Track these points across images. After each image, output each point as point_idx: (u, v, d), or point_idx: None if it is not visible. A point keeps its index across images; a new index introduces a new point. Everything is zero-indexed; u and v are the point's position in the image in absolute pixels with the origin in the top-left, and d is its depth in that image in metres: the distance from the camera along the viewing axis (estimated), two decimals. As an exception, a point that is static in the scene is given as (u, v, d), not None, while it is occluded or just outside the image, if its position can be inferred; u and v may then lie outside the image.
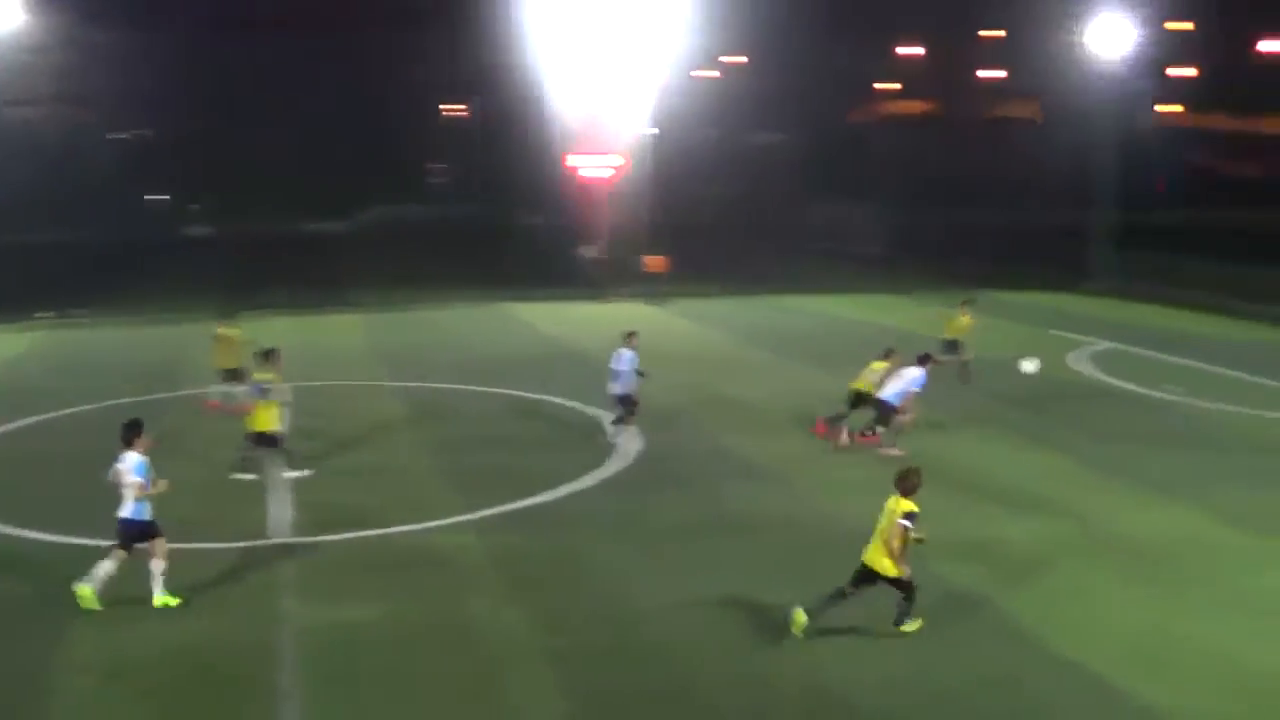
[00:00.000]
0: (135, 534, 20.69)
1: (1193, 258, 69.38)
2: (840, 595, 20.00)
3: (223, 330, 36.41)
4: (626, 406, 32.86)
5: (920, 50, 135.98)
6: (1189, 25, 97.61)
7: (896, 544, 19.88)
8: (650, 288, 60.10)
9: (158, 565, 20.82)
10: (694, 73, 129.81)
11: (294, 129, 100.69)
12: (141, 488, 20.45)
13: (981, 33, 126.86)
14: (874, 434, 32.12)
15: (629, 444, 31.97)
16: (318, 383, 38.97)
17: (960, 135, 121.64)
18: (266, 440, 28.51)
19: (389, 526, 25.00)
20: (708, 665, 18.83)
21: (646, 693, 18.04)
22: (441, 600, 21.31)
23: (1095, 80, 71.89)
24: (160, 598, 20.79)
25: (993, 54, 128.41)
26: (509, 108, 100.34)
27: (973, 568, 23.13)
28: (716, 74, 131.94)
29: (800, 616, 19.79)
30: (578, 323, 53.81)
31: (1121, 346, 49.78)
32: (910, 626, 20.12)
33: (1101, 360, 46.45)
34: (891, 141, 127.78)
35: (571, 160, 62.16)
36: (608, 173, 62.28)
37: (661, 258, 59.75)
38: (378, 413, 35.78)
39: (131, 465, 20.55)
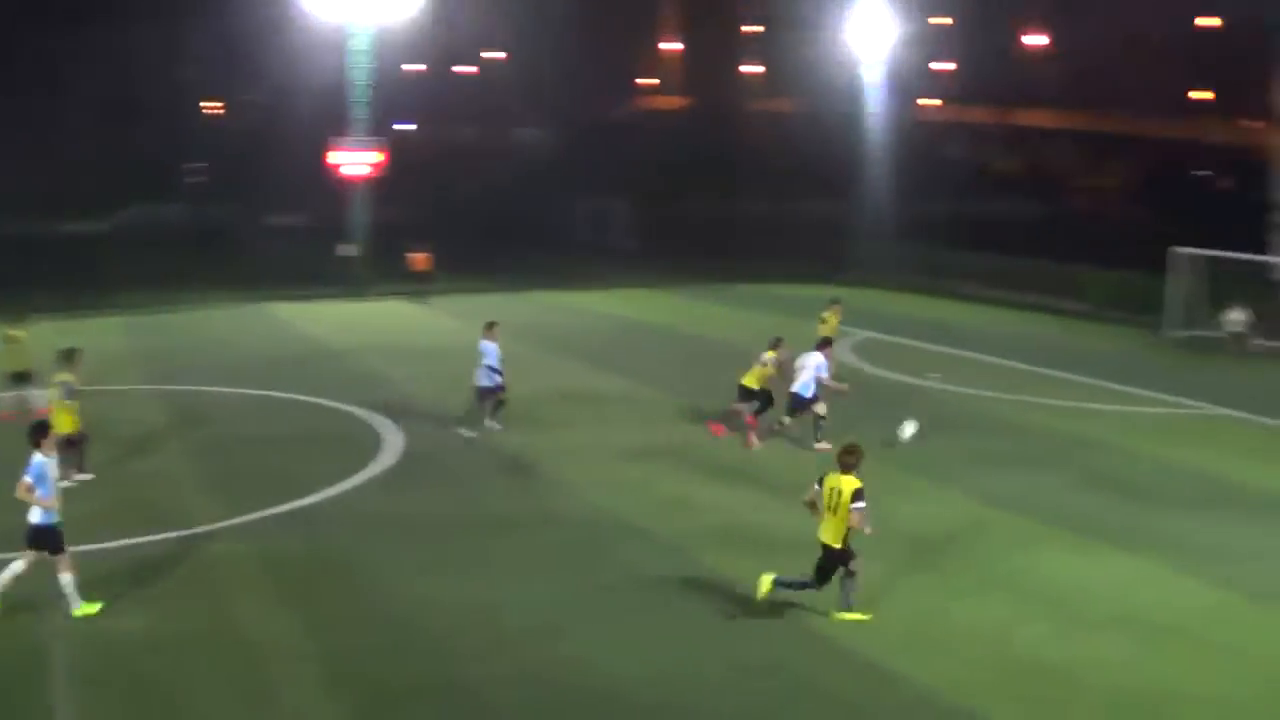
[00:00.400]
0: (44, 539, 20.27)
1: (953, 249, 70.88)
2: (810, 584, 20.45)
3: (12, 332, 35.40)
4: (490, 398, 33.30)
5: (680, 46, 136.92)
6: (948, 20, 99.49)
7: (861, 527, 20.27)
8: (415, 286, 59.70)
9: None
10: (455, 68, 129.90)
11: (50, 128, 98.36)
12: (29, 489, 19.92)
13: (743, 29, 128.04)
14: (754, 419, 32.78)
15: (394, 441, 31.78)
16: (82, 387, 38.09)
17: (722, 129, 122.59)
18: (70, 443, 27.37)
19: (155, 532, 24.39)
20: (480, 662, 18.76)
21: (422, 690, 17.92)
22: (212, 605, 20.91)
23: (856, 75, 72.99)
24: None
25: (754, 49, 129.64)
26: (268, 105, 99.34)
27: (739, 557, 23.26)
28: (474, 69, 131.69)
29: (766, 584, 20.51)
30: (337, 322, 53.32)
31: (883, 336, 50.65)
32: (858, 615, 20.45)
33: (864, 350, 47.19)
34: (652, 136, 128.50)
35: (332, 157, 61.47)
36: (366, 169, 61.70)
37: (426, 255, 59.38)
38: (141, 417, 34.96)
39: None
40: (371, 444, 31.50)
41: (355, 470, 28.95)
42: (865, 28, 70.42)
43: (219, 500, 26.69)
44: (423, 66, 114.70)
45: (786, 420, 32.59)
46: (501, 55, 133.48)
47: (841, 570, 20.41)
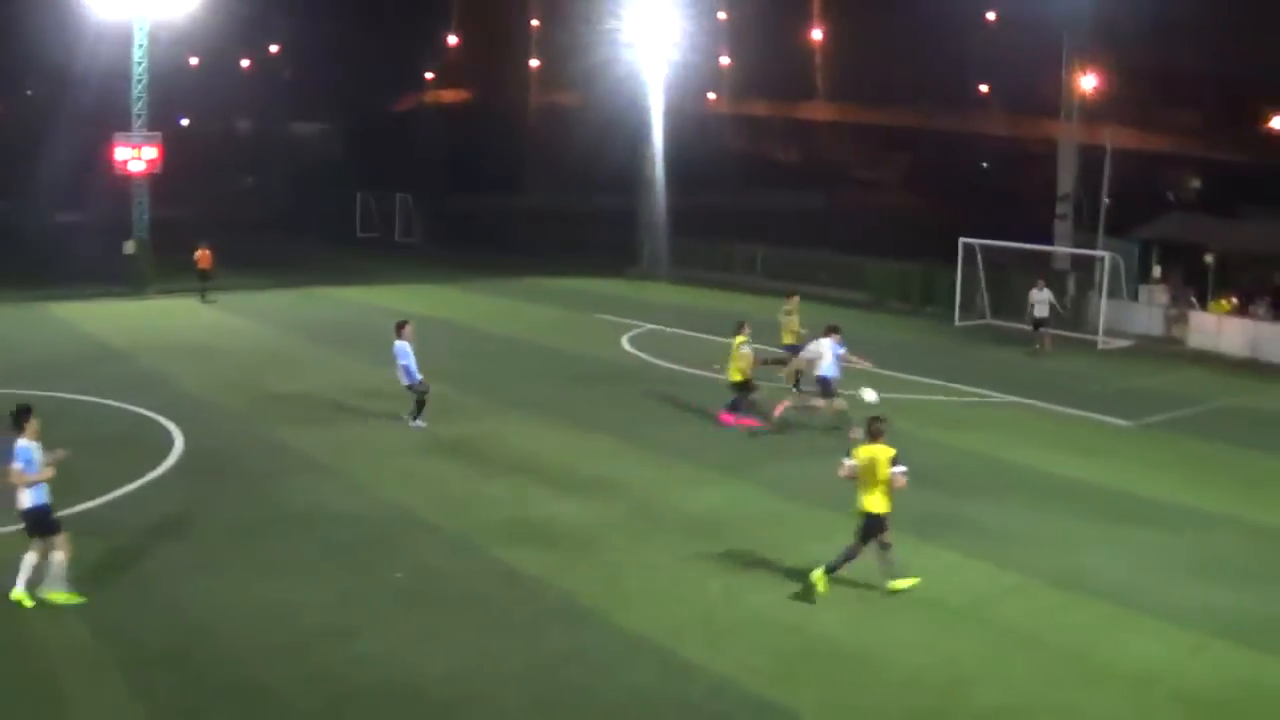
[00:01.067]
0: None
1: (736, 240, 71.42)
2: (854, 553, 21.25)
3: None
4: (416, 394, 32.96)
5: (462, 39, 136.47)
6: (723, 15, 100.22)
7: (900, 486, 21.17)
8: (197, 283, 58.60)
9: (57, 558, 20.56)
10: (231, 61, 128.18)
11: None
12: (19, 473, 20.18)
13: (527, 22, 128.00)
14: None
15: (180, 441, 31.12)
16: None
17: (505, 123, 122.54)
18: None
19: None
20: (277, 663, 18.42)
21: (220, 694, 17.55)
22: (1, 611, 20.22)
23: (637, 70, 73.11)
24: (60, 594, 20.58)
25: (537, 43, 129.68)
26: (47, 99, 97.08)
27: (529, 550, 23.22)
28: (247, 63, 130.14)
29: (820, 579, 21.05)
30: (119, 321, 52.17)
31: (667, 329, 50.86)
32: (908, 581, 21.41)
33: (648, 342, 47.33)
34: (435, 130, 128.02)
35: (116, 154, 60.15)
36: (144, 165, 60.50)
37: (208, 251, 58.34)
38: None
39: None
40: (158, 444, 30.77)
41: (143, 471, 28.28)
42: (646, 22, 70.50)
43: (1, 504, 25.91)
44: (195, 60, 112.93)
45: (820, 403, 33.51)
46: (274, 48, 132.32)
47: (876, 544, 21.21)
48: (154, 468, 28.67)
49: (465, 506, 26.17)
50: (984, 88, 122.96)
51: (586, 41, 77.48)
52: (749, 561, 22.87)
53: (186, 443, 31.03)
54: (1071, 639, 19.63)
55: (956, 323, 52.87)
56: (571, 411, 35.29)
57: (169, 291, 59.72)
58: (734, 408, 33.79)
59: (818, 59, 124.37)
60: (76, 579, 21.38)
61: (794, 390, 35.49)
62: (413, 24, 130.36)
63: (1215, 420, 35.94)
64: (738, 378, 33.53)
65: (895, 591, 21.13)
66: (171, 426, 32.54)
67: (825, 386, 33.21)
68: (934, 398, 38.39)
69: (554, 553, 23.06)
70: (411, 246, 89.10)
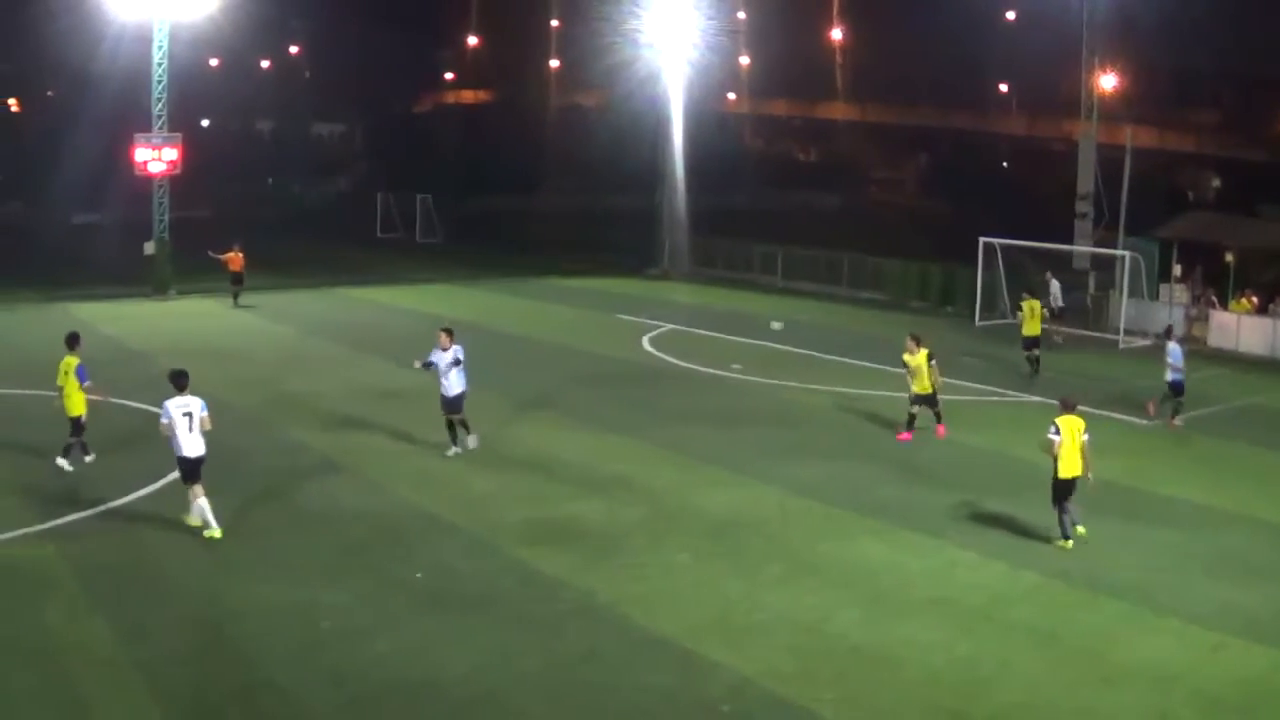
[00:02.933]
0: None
1: (755, 241, 71.33)
2: (1065, 512, 24.07)
3: None
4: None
5: (483, 39, 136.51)
6: (743, 15, 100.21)
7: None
8: (229, 286, 58.48)
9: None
10: (252, 61, 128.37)
11: None
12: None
13: (548, 22, 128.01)
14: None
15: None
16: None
17: (526, 123, 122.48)
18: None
19: (-42, 539, 23.75)
20: (295, 663, 18.49)
21: (237, 695, 17.62)
22: (21, 612, 20.36)
23: (657, 70, 73.06)
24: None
25: (557, 43, 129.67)
26: (67, 100, 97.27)
27: (549, 550, 23.29)
28: (267, 64, 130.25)
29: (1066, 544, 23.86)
30: (137, 321, 52.24)
31: (687, 329, 50.85)
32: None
33: (668, 342, 47.33)
34: (456, 130, 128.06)
35: (136, 155, 60.18)
36: (162, 166, 60.54)
37: (239, 254, 58.33)
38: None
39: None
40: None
41: (163, 472, 28.22)
42: (666, 22, 70.43)
43: (25, 504, 25.98)
44: (215, 61, 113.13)
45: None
46: (295, 49, 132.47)
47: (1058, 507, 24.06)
48: (174, 468, 28.71)
49: (484, 506, 26.21)
50: (1004, 87, 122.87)
51: (607, 42, 77.46)
52: (768, 561, 22.90)
53: (206, 443, 31.05)
54: (1089, 638, 19.63)
55: (977, 322, 52.78)
56: (591, 412, 35.31)
57: (189, 292, 59.79)
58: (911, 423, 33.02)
59: (837, 59, 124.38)
60: (98, 578, 21.58)
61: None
62: (433, 25, 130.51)
63: (1234, 419, 35.84)
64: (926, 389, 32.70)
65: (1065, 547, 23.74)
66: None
67: (1177, 389, 34.86)
68: (954, 397, 38.29)
69: (573, 553, 23.10)
70: (432, 247, 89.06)
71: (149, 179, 61.21)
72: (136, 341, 46.78)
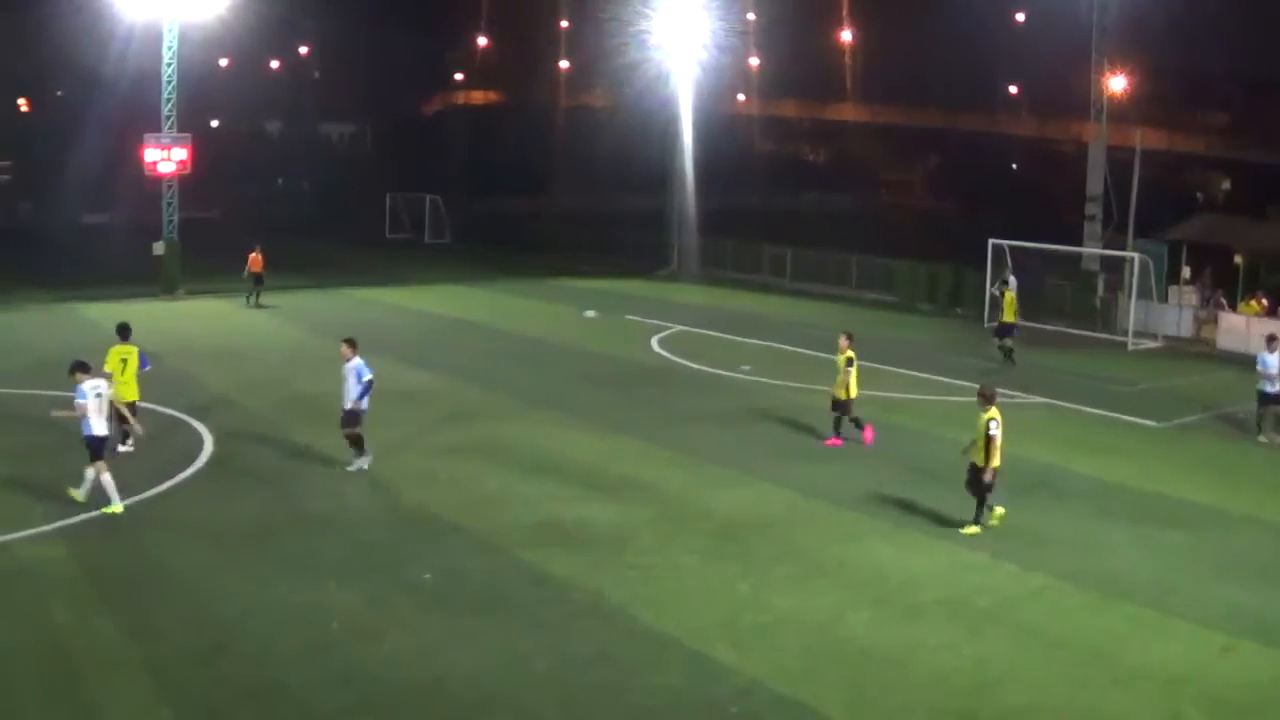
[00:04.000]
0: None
1: (764, 241, 71.30)
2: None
3: None
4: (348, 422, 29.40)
5: (489, 40, 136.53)
6: (752, 16, 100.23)
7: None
8: (251, 286, 58.44)
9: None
10: (271, 63, 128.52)
11: None
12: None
13: (557, 23, 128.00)
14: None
15: (208, 443, 31.17)
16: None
17: (535, 124, 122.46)
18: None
19: (-33, 540, 23.75)
20: (303, 664, 18.49)
21: (246, 696, 17.60)
22: (30, 613, 20.34)
23: (666, 70, 73.02)
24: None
25: (567, 44, 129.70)
26: (77, 102, 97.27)
27: (557, 552, 23.29)
28: (276, 64, 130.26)
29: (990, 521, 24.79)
30: (146, 321, 52.04)
31: (697, 330, 50.87)
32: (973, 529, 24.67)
33: (677, 343, 47.34)
34: (465, 130, 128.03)
35: (145, 155, 60.18)
36: (171, 166, 60.54)
37: (260, 254, 58.34)
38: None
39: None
40: (186, 446, 30.82)
41: (172, 472, 28.33)
42: (675, 23, 70.41)
43: (34, 504, 25.98)
44: (224, 62, 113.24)
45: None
46: (303, 49, 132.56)
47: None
48: (183, 469, 28.74)
49: (493, 507, 26.22)
50: (1013, 89, 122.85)
51: (616, 43, 77.47)
52: (777, 563, 22.90)
53: (215, 444, 31.10)
54: (1099, 640, 19.62)
55: (986, 324, 52.74)
56: (600, 413, 35.32)
57: (198, 293, 59.82)
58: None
59: (847, 60, 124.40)
60: (107, 579, 21.63)
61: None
62: (442, 25, 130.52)
63: (1244, 422, 35.78)
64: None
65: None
66: (200, 427, 32.63)
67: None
68: (962, 399, 38.28)
69: (582, 554, 23.10)
70: (441, 247, 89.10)
71: (158, 179, 61.25)
72: (145, 342, 46.57)
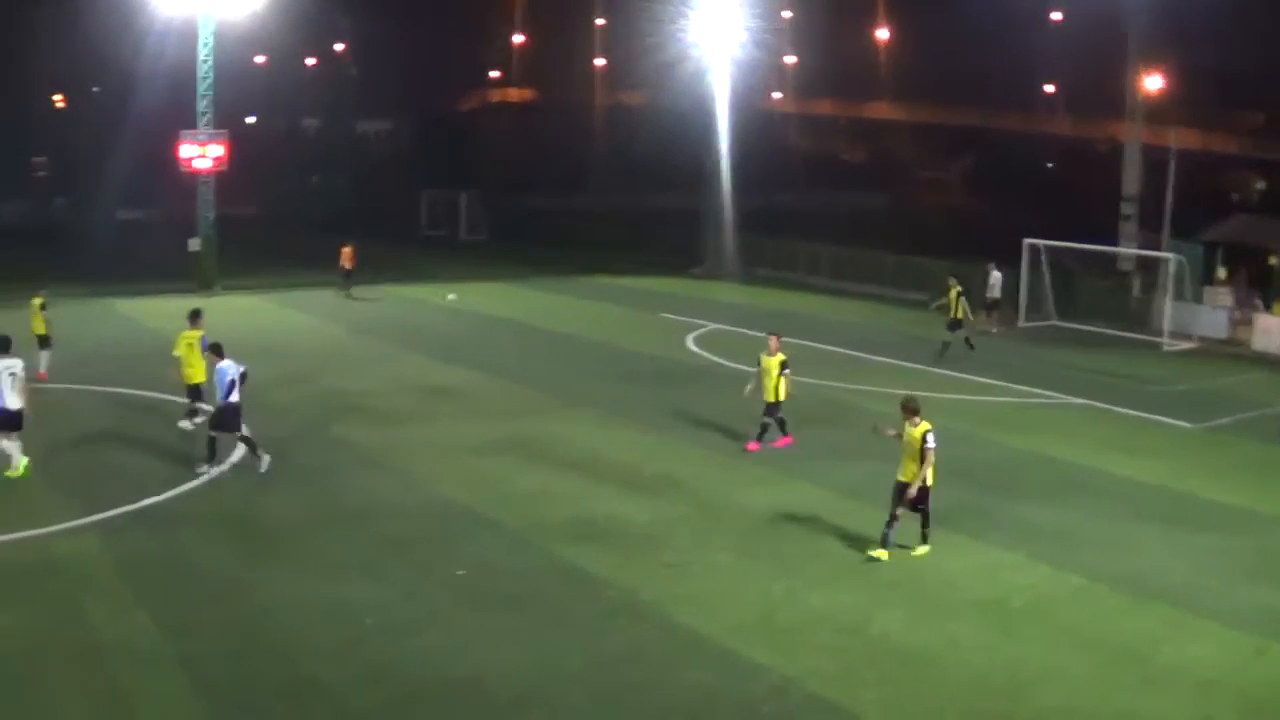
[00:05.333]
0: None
1: (799, 240, 71.19)
2: (893, 519, 23.17)
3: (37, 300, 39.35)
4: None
5: (525, 38, 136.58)
6: (789, 14, 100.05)
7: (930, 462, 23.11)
8: (342, 280, 58.64)
9: None
10: (307, 60, 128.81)
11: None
12: None
13: (597, 21, 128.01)
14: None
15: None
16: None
17: (571, 122, 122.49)
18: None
19: (5, 533, 23.73)
20: (336, 660, 18.57)
21: (280, 691, 17.70)
22: (66, 608, 20.46)
23: (703, 68, 72.94)
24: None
25: (602, 42, 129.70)
26: (115, 97, 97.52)
27: (592, 549, 23.34)
28: (312, 61, 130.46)
29: (881, 554, 22.97)
30: (182, 317, 52.26)
31: (732, 328, 50.83)
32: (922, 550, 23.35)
33: (713, 342, 47.34)
34: (500, 128, 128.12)
35: (182, 152, 60.38)
36: (208, 163, 60.71)
37: (350, 249, 58.65)
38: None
39: None
40: (222, 441, 30.91)
41: (205, 467, 28.45)
42: (711, 21, 70.31)
43: (68, 500, 26.11)
44: (261, 59, 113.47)
45: None
46: (340, 46, 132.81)
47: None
48: (218, 464, 28.84)
49: (527, 504, 26.28)
50: (1049, 88, 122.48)
51: (652, 41, 77.42)
52: (811, 561, 22.92)
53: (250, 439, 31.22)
54: (1132, 641, 19.61)
55: (1021, 323, 52.63)
56: (635, 410, 35.32)
57: (234, 289, 60.01)
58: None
59: (882, 58, 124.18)
60: (141, 574, 21.77)
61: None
62: (478, 23, 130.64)
63: (1278, 423, 35.65)
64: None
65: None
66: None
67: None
68: (997, 399, 38.30)
69: (616, 551, 23.15)
70: (477, 245, 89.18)
71: (194, 176, 61.47)
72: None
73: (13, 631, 19.54)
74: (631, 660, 18.70)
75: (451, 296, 45.23)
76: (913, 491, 22.94)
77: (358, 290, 59.06)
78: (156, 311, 53.12)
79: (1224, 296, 51.63)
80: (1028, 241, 53.42)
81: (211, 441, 28.64)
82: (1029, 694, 17.83)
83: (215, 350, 29.02)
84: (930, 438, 22.99)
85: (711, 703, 17.47)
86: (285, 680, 18.03)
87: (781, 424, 31.28)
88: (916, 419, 23.26)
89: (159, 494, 26.39)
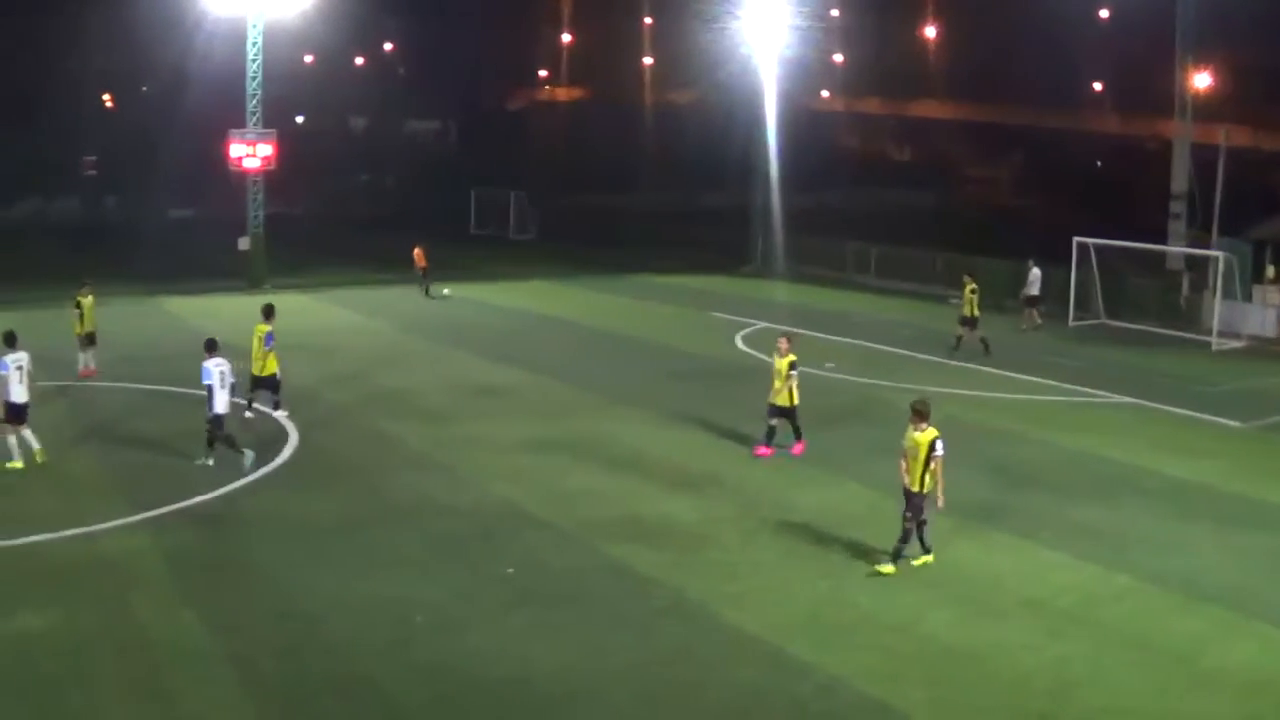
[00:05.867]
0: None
1: (848, 238, 71.04)
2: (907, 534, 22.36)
3: (82, 298, 39.55)
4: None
5: (574, 37, 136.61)
6: (836, 12, 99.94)
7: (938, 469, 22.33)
8: (418, 280, 58.97)
9: None
10: (356, 59, 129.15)
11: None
12: None
13: (641, 19, 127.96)
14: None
15: (293, 436, 31.46)
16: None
17: (620, 120, 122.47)
18: (274, 382, 33.56)
19: (55, 530, 24.00)
20: (385, 657, 18.69)
21: (329, 689, 17.81)
22: (114, 605, 20.64)
23: (752, 66, 72.91)
24: None
25: (652, 41, 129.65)
26: (163, 98, 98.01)
27: (642, 548, 23.40)
28: (361, 61, 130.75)
29: (886, 569, 22.16)
30: (230, 315, 52.49)
31: (781, 327, 50.61)
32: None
33: (761, 340, 47.30)
34: (550, 127, 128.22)
35: (231, 151, 60.69)
36: (257, 162, 60.99)
37: (421, 250, 58.96)
38: (33, 412, 34.31)
39: None
40: (270, 439, 31.13)
41: (255, 466, 28.62)
42: (760, 20, 70.26)
43: (117, 498, 26.34)
44: (309, 58, 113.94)
45: None
46: (388, 46, 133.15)
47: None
48: (267, 462, 29.02)
49: (576, 503, 26.37)
50: (1097, 86, 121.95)
51: (700, 39, 77.45)
52: (858, 560, 22.91)
53: (300, 437, 31.40)
54: (1179, 642, 19.56)
55: (1070, 323, 52.46)
56: (683, 409, 35.29)
57: (284, 288, 60.27)
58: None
59: (931, 57, 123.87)
60: (190, 572, 21.97)
61: None
62: (526, 22, 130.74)
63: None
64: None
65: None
66: (285, 421, 32.93)
67: None
68: (1046, 398, 38.20)
69: (664, 550, 23.19)
70: (526, 244, 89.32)
71: (244, 175, 61.81)
72: (229, 336, 46.99)
73: (61, 628, 19.72)
74: (679, 659, 18.75)
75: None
76: (940, 503, 22.39)
77: (410, 290, 59.30)
78: (205, 310, 53.42)
79: (1273, 295, 51.33)
80: (1077, 240, 53.24)
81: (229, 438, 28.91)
82: (1075, 694, 17.81)
83: (206, 347, 29.46)
84: (940, 445, 22.28)
85: (759, 701, 17.52)
86: (334, 678, 18.15)
87: (797, 431, 30.61)
88: (924, 424, 22.42)
89: (208, 492, 26.57)
